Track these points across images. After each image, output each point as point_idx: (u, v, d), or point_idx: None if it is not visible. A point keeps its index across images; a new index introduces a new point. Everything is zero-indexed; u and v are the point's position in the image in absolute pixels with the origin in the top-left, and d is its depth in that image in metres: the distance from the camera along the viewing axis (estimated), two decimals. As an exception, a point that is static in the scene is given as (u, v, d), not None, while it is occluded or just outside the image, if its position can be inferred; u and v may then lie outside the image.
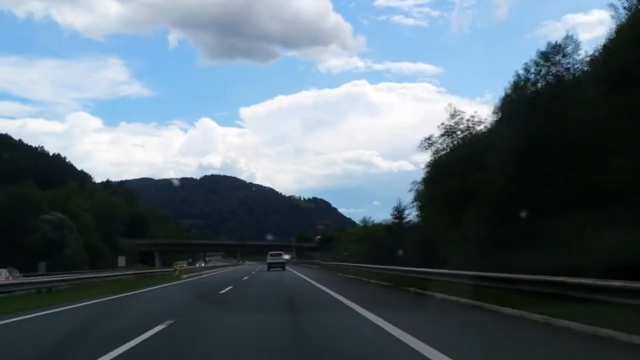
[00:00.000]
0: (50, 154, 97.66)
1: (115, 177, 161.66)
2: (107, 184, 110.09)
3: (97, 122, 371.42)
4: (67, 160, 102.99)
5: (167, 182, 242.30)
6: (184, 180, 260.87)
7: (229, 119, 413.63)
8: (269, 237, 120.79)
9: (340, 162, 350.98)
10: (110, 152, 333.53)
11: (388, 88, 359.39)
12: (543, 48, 17.32)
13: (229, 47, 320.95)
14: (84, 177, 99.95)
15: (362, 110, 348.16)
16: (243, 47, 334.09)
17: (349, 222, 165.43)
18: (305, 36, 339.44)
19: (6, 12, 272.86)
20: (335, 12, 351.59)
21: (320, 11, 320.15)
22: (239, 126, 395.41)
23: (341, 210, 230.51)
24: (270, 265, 44.45)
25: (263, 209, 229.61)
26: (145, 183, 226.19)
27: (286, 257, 52.76)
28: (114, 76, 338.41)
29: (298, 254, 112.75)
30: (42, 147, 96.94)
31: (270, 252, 48.24)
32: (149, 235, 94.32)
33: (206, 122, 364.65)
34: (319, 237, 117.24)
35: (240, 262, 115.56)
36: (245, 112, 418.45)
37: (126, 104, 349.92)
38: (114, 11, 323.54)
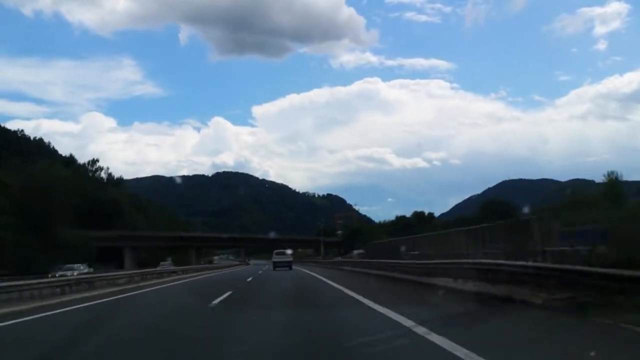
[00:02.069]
0: (31, 138, 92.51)
1: (129, 177, 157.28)
2: (71, 159, 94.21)
3: (111, 122, 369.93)
4: (51, 146, 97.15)
5: (178, 179, 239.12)
6: (195, 178, 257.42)
7: (242, 118, 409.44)
8: (272, 234, 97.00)
9: (354, 159, 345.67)
10: (125, 152, 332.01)
11: (401, 85, 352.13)
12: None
13: (239, 42, 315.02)
14: (70, 160, 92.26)
15: (375, 107, 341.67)
16: (254, 41, 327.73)
17: (364, 219, 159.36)
18: (317, 30, 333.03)
19: (14, 10, 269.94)
20: (348, 5, 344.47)
21: (333, 4, 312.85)
22: (252, 125, 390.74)
23: (356, 207, 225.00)
24: (276, 265, 43.86)
25: (276, 205, 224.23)
26: (156, 180, 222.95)
27: (289, 251, 49.29)
28: (127, 76, 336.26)
29: (318, 250, 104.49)
30: (22, 130, 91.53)
31: (276, 251, 47.49)
32: (124, 227, 75.61)
33: (219, 121, 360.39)
34: (339, 231, 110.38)
35: (246, 260, 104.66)
36: (257, 110, 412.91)
37: (139, 104, 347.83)
38: (122, 6, 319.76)
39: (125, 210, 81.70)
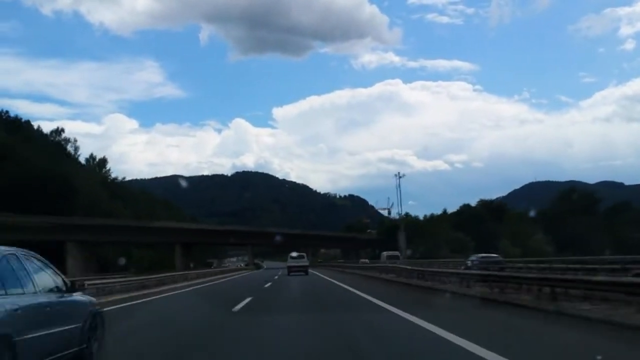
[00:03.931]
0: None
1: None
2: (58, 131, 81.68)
3: (133, 124, 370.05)
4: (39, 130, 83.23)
5: (198, 179, 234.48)
6: (215, 178, 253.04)
7: (262, 120, 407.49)
8: (278, 238, 74.86)
9: (375, 162, 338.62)
10: (146, 153, 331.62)
11: (422, 87, 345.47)
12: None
13: (260, 41, 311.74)
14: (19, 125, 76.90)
15: (396, 109, 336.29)
16: (274, 40, 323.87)
17: (386, 220, 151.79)
18: (339, 28, 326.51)
19: (32, 10, 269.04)
20: (371, 3, 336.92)
21: (355, 1, 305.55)
22: (272, 127, 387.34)
23: (378, 208, 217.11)
24: (291, 269, 42.02)
25: (297, 206, 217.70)
26: (175, 180, 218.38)
27: (304, 256, 46.37)
28: (149, 78, 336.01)
29: (346, 252, 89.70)
30: (7, 111, 78.68)
31: (291, 254, 45.62)
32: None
33: (240, 123, 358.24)
34: (369, 230, 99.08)
35: (258, 263, 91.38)
36: (278, 112, 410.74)
37: (161, 105, 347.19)
38: (142, 6, 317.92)
39: (85, 193, 63.22)
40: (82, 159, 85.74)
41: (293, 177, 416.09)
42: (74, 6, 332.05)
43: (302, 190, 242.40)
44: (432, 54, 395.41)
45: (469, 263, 25.26)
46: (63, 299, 5.58)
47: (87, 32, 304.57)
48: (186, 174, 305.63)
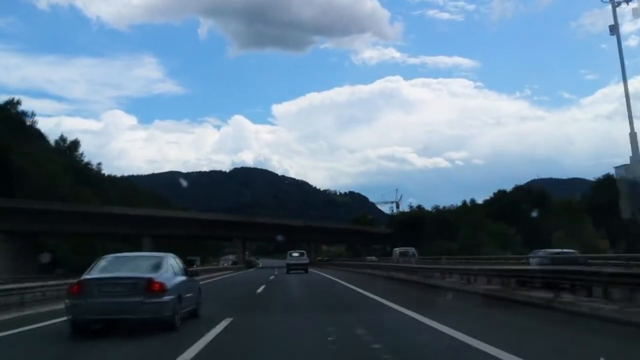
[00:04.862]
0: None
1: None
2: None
3: (132, 120, 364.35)
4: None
5: (197, 175, 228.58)
6: (213, 174, 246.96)
7: (262, 116, 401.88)
8: (280, 237, 65.58)
9: (375, 159, 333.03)
10: (145, 150, 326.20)
11: (423, 83, 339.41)
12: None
13: (259, 35, 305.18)
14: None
15: (396, 106, 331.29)
16: (274, 34, 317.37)
17: (387, 217, 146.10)
18: (339, 22, 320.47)
19: (29, 5, 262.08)
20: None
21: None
22: (271, 123, 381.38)
23: (379, 205, 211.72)
24: (290, 267, 40.84)
25: (296, 202, 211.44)
26: (173, 176, 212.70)
27: (304, 253, 45.30)
28: (148, 74, 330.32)
29: (352, 250, 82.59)
30: None
31: (290, 252, 44.63)
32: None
33: (239, 120, 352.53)
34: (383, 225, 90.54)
35: (253, 260, 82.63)
36: (277, 109, 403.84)
37: (160, 102, 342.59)
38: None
39: (37, 175, 52.74)
40: (51, 140, 76.29)
41: (292, 174, 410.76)
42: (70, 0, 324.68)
43: (301, 187, 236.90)
44: (432, 50, 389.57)
45: (534, 261, 18.69)
46: (190, 279, 10.53)
47: (84, 26, 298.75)
48: (185, 170, 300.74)
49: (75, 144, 77.88)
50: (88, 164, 79.39)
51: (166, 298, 8.64)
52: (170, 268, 9.52)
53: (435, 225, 67.62)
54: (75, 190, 59.44)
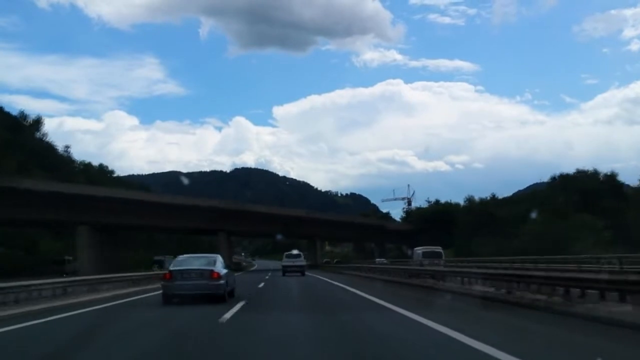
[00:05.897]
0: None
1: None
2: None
3: (133, 121, 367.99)
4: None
5: (197, 175, 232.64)
6: (213, 174, 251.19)
7: (263, 118, 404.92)
8: (279, 236, 60.48)
9: (375, 161, 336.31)
10: (146, 150, 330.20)
11: (424, 87, 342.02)
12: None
13: (260, 35, 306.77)
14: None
15: (397, 109, 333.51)
16: (275, 34, 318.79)
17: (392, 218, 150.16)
18: (341, 23, 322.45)
19: (30, 4, 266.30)
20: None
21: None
22: (273, 125, 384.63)
23: (384, 205, 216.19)
24: (286, 269, 40.33)
25: (297, 203, 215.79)
26: (173, 176, 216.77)
27: (301, 255, 43.67)
28: (149, 75, 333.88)
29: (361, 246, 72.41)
30: None
31: (286, 253, 43.83)
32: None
33: (240, 121, 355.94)
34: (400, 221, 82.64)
35: (248, 260, 74.58)
36: (278, 111, 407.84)
37: (161, 103, 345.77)
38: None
39: None
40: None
41: (293, 175, 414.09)
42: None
43: (302, 189, 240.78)
44: (433, 53, 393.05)
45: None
46: (230, 271, 15.93)
47: (85, 26, 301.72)
48: (185, 171, 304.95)
49: (38, 122, 70.60)
50: (51, 144, 72.45)
51: (221, 282, 14.12)
52: (220, 264, 14.84)
53: (475, 220, 56.09)
54: (22, 170, 49.78)
